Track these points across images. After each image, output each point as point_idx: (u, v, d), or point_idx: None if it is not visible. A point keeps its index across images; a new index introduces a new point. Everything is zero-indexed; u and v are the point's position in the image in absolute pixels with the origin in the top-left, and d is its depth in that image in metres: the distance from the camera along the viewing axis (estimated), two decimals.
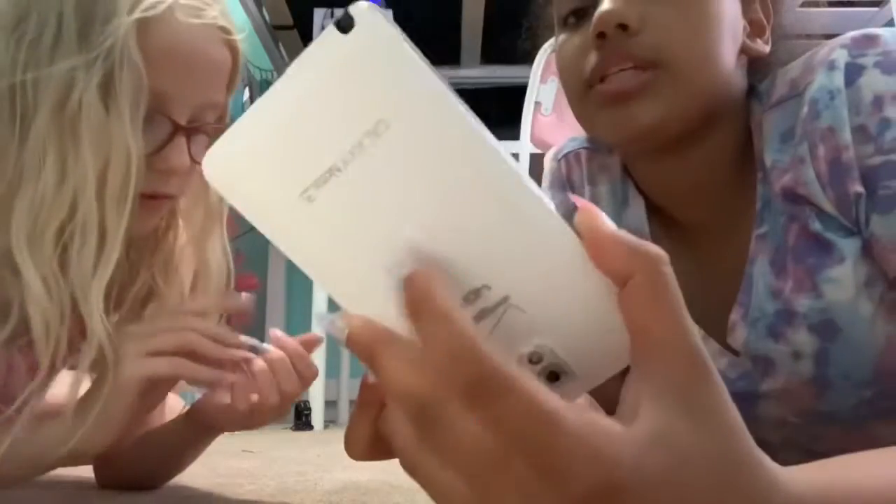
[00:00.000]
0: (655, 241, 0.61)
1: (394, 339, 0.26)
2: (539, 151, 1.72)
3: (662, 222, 0.62)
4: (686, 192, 0.59)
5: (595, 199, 0.66)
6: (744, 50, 0.56)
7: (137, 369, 0.62)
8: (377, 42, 0.22)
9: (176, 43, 0.62)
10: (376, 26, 0.22)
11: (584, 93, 0.55)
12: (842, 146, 0.49)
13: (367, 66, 0.22)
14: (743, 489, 0.26)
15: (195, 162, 0.65)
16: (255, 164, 0.24)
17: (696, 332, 0.26)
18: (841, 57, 0.51)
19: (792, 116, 0.53)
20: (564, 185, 0.68)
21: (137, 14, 0.59)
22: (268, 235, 0.25)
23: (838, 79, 0.50)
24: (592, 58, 0.54)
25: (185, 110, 0.64)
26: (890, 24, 2.17)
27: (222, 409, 0.69)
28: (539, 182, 0.71)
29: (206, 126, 0.66)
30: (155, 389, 0.64)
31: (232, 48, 0.67)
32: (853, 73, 0.50)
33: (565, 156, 0.69)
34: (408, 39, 0.23)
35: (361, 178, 0.24)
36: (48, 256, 0.59)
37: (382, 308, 0.26)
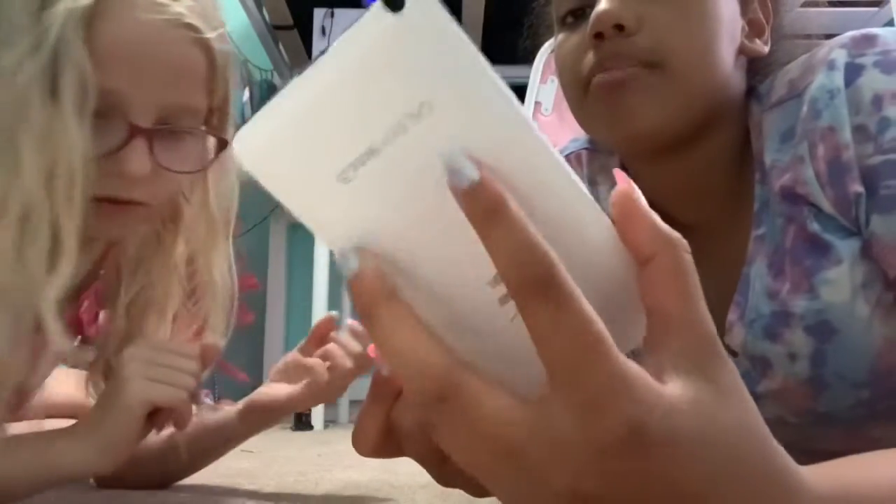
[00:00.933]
0: None
1: (400, 298, 0.25)
2: None
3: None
4: (684, 193, 0.59)
5: (595, 199, 0.65)
6: (742, 50, 0.56)
7: (144, 392, 0.63)
8: (429, 22, 0.21)
9: (127, 39, 0.58)
10: (429, 6, 0.21)
11: (582, 92, 0.55)
12: (842, 146, 0.49)
13: (416, 47, 0.22)
14: (764, 468, 0.26)
15: (163, 167, 0.61)
16: (289, 143, 0.23)
17: (710, 318, 0.27)
18: (840, 57, 0.51)
19: (792, 116, 0.53)
20: None
21: (78, 3, 0.56)
22: (298, 215, 0.24)
23: (838, 78, 0.50)
24: (590, 57, 0.54)
25: (147, 112, 0.60)
26: (890, 24, 2.17)
27: (284, 397, 0.77)
28: None
29: (180, 131, 0.63)
30: (154, 416, 0.65)
31: (205, 48, 0.62)
32: (852, 72, 0.50)
33: (567, 156, 0.69)
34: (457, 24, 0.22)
35: (400, 161, 0.23)
36: (3, 252, 0.57)
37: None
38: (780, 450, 0.28)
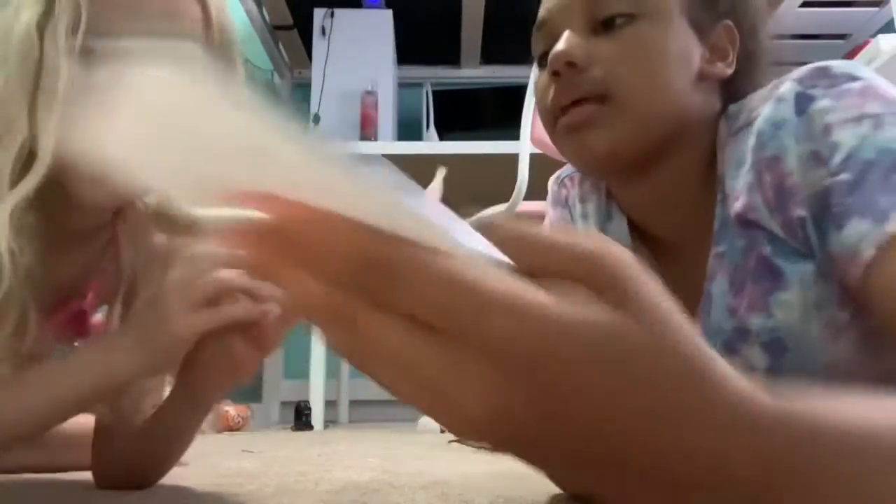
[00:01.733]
0: (635, 252, 0.62)
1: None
2: (539, 151, 1.72)
3: (641, 237, 0.66)
4: (654, 208, 0.63)
5: (585, 215, 0.72)
6: (704, 75, 0.59)
7: (190, 326, 0.61)
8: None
9: None
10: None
11: (553, 124, 0.61)
12: (786, 173, 0.53)
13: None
14: (699, 390, 0.24)
15: None
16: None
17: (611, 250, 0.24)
18: (790, 90, 0.54)
19: (744, 146, 0.57)
20: (563, 204, 0.75)
21: None
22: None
23: (785, 110, 0.54)
24: (552, 92, 0.60)
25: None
26: (890, 24, 2.17)
27: (211, 367, 0.68)
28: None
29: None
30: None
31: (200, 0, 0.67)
32: (804, 102, 0.53)
33: (563, 179, 0.75)
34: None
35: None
36: None
37: None
38: (732, 373, 0.26)
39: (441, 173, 0.70)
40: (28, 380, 0.64)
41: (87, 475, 0.85)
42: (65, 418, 0.66)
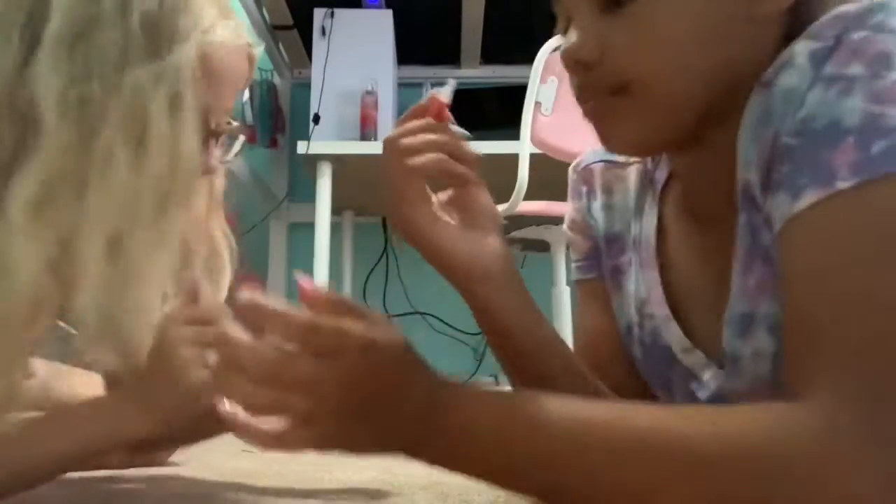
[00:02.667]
0: (665, 245, 0.62)
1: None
2: (539, 151, 1.72)
3: (690, 221, 0.61)
4: (704, 183, 0.58)
5: (608, 207, 0.69)
6: (752, 16, 0.51)
7: (200, 377, 0.63)
8: None
9: (225, 64, 0.69)
10: None
11: (582, 113, 0.57)
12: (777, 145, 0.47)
13: None
14: (414, 381, 0.45)
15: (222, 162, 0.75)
16: None
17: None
18: (802, 51, 0.47)
19: (756, 109, 0.50)
20: (581, 194, 0.72)
21: (200, 37, 0.66)
22: None
23: (796, 77, 0.47)
24: (575, 80, 0.56)
25: (218, 118, 0.71)
26: None
27: None
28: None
29: (226, 128, 0.74)
30: None
31: (252, 60, 0.75)
32: (819, 59, 0.46)
33: (583, 168, 0.72)
34: None
35: None
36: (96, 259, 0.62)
37: None
38: (436, 374, 0.46)
39: (452, 84, 0.68)
40: (32, 434, 0.64)
41: (86, 475, 0.85)
42: (66, 472, 0.69)
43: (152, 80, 0.63)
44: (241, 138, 0.78)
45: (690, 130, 0.54)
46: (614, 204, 0.68)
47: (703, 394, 0.59)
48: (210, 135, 0.70)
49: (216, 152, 0.73)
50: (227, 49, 0.69)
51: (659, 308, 0.62)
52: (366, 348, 0.42)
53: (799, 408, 0.41)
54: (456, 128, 0.63)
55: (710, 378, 0.58)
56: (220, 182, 0.80)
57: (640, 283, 0.64)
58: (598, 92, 0.54)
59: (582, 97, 0.55)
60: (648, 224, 0.64)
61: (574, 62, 0.54)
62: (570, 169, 0.74)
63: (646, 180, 0.66)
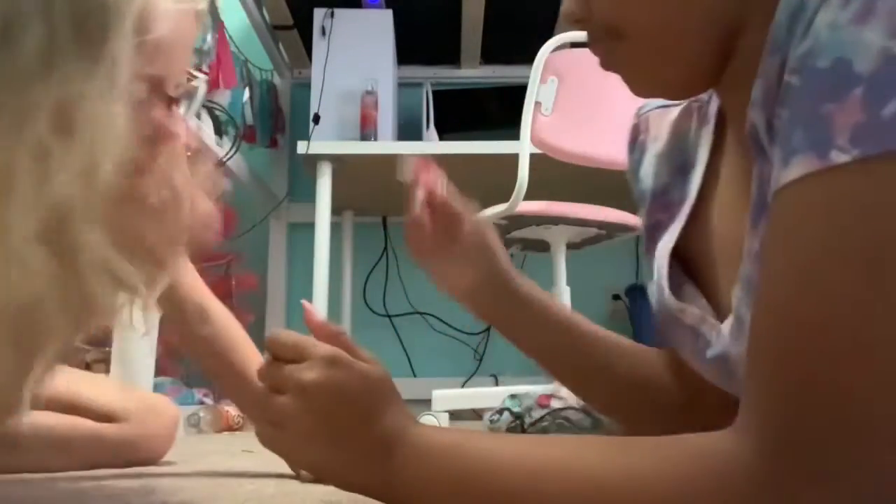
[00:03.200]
0: (712, 190, 0.58)
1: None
2: (539, 151, 1.72)
3: (736, 163, 0.55)
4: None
5: (655, 159, 0.65)
6: None
7: None
8: None
9: (173, 32, 0.65)
10: None
11: None
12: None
13: None
14: (379, 422, 0.49)
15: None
16: None
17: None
18: None
19: (766, 38, 0.42)
20: (635, 148, 0.69)
21: (139, 12, 0.61)
22: None
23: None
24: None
25: (176, 81, 0.69)
26: None
27: None
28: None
29: (185, 87, 0.72)
30: None
31: (200, 16, 0.72)
32: None
33: (642, 116, 0.69)
34: None
35: None
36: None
37: None
38: (404, 414, 0.50)
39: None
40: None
41: (85, 474, 0.85)
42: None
43: (82, 74, 0.59)
44: (203, 79, 0.77)
45: (711, 62, 0.50)
46: (659, 155, 0.65)
47: (710, 353, 0.55)
48: (170, 102, 0.68)
49: (178, 112, 0.70)
50: (171, 16, 0.65)
51: (661, 260, 0.60)
52: (332, 363, 0.49)
53: (732, 448, 0.38)
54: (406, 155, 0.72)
55: (715, 337, 0.55)
56: (183, 147, 0.76)
57: (667, 235, 0.61)
58: (599, 41, 0.53)
59: (592, 49, 0.55)
60: (693, 181, 0.60)
61: (572, 22, 0.54)
62: (634, 116, 0.70)
63: (700, 117, 0.62)
